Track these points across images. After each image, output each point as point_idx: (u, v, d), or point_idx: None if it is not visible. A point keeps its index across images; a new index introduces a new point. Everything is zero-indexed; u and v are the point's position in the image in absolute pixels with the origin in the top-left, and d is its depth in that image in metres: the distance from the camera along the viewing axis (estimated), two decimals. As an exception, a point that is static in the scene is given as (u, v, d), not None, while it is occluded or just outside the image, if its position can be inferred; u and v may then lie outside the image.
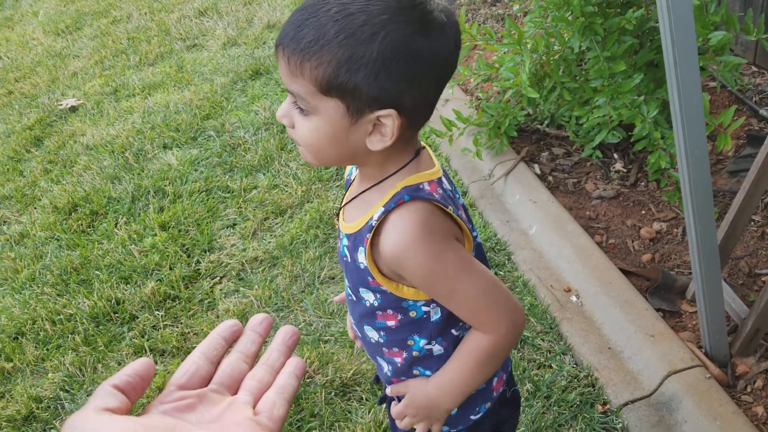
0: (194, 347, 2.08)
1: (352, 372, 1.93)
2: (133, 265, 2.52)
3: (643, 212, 2.43)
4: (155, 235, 2.67)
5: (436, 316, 1.00)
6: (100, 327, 2.28)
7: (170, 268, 2.48)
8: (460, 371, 0.99)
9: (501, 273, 2.25)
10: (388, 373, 1.11)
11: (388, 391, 1.12)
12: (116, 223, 2.78)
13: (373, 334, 1.06)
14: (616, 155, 2.65)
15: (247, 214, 2.71)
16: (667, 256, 2.26)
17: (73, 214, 2.90)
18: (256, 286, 2.33)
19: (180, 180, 2.99)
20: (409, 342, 1.03)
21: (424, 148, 0.96)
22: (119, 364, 2.12)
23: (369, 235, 0.90)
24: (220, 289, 2.37)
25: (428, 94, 0.86)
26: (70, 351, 2.20)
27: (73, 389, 2.06)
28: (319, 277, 2.33)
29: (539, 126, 2.84)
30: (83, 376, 2.10)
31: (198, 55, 4.18)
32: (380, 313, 1.01)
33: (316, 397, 1.88)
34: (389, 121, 0.84)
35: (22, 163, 3.43)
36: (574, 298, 2.09)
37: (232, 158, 3.08)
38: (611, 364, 1.88)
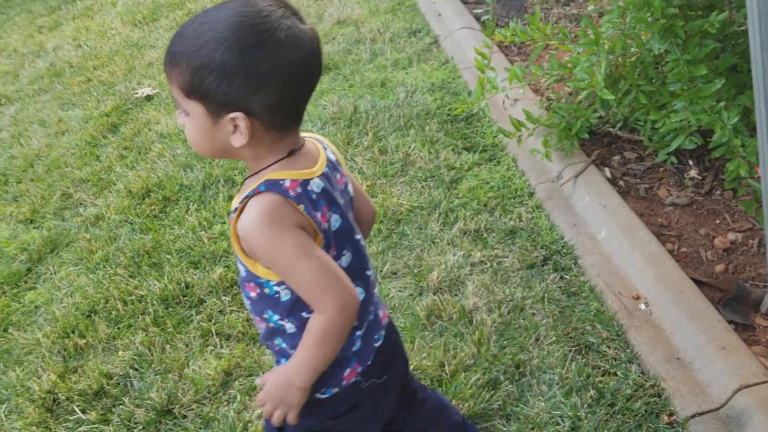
0: (258, 334, 2.11)
1: (412, 366, 1.94)
2: (202, 250, 2.59)
3: (718, 221, 2.36)
4: (224, 222, 2.73)
5: (285, 297, 1.13)
6: (170, 309, 2.35)
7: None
8: (305, 349, 1.11)
9: (566, 277, 2.22)
10: (260, 337, 1.27)
11: (257, 380, 1.25)
12: (187, 210, 2.86)
13: (246, 301, 1.21)
14: (691, 162, 2.58)
15: (313, 206, 2.75)
16: (741, 267, 2.18)
17: (146, 199, 3.00)
18: (320, 278, 2.36)
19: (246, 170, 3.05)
20: (264, 315, 1.17)
21: (301, 148, 1.11)
22: (187, 345, 2.19)
23: (234, 216, 1.08)
24: (285, 279, 2.40)
25: (276, 100, 1.02)
26: (140, 331, 2.28)
27: (142, 368, 2.14)
28: (381, 271, 2.34)
29: (611, 129, 2.79)
30: (152, 355, 2.17)
31: (269, 49, 4.26)
32: (247, 283, 1.16)
33: (377, 390, 1.90)
34: (241, 122, 1.02)
35: (98, 148, 3.56)
36: (642, 306, 2.04)
37: (299, 151, 3.12)
38: (679, 375, 1.83)
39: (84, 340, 2.29)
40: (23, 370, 2.23)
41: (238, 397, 1.96)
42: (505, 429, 1.78)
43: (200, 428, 1.90)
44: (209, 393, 2.00)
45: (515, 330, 2.05)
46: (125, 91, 4.10)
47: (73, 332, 2.33)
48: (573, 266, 2.26)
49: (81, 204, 3.11)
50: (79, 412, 2.03)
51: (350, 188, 1.22)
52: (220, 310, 2.31)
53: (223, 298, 2.35)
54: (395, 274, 2.34)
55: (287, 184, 1.05)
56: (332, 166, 1.16)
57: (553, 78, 2.76)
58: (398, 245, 2.45)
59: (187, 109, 1.05)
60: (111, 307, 2.41)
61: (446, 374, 1.91)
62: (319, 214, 1.08)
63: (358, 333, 1.22)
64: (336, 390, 1.22)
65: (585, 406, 1.80)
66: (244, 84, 0.99)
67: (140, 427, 1.94)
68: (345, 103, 3.38)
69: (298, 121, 1.09)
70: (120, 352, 2.21)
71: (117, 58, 4.61)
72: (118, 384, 2.11)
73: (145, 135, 3.56)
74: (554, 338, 2.01)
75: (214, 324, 2.25)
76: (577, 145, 2.64)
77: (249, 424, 1.87)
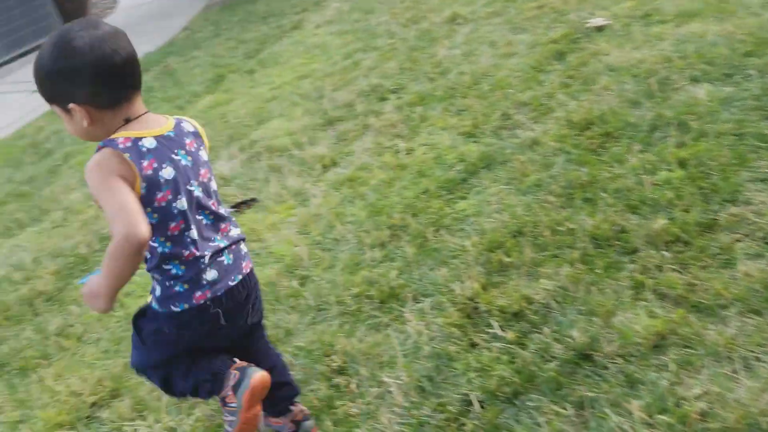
0: (701, 303, 1.77)
1: None
2: (642, 195, 2.33)
3: None
4: (671, 170, 2.42)
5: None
6: (599, 249, 2.17)
7: (684, 210, 2.21)
8: (103, 266, 1.39)
9: None
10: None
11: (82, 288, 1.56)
12: (629, 149, 2.61)
13: None
14: None
15: (787, 171, 2.25)
16: None
17: (586, 131, 2.83)
18: (792, 258, 1.91)
19: (707, 117, 2.64)
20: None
21: (141, 117, 1.50)
22: (615, 293, 1.98)
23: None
24: (742, 249, 2.01)
25: (92, 89, 1.43)
26: (565, 264, 2.15)
27: (564, 302, 2.01)
28: None
29: None
30: (576, 292, 2.03)
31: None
32: None
33: None
34: (78, 109, 1.45)
35: (542, 74, 3.50)
36: None
37: (776, 104, 2.59)
38: None
39: (509, 259, 2.26)
40: (449, 271, 2.31)
41: (672, 367, 1.69)
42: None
43: (622, 385, 1.69)
44: (637, 351, 1.77)
45: None
46: (576, 19, 3.95)
47: (499, 248, 2.32)
48: None
49: (519, 126, 3.09)
50: (497, 327, 2.00)
51: (202, 153, 1.59)
52: (657, 265, 2.04)
53: (663, 252, 2.07)
54: None
55: (120, 140, 1.44)
56: (182, 133, 1.56)
57: None
58: None
59: (56, 113, 1.50)
60: (538, 233, 2.34)
61: None
62: (145, 162, 1.44)
63: (204, 261, 1.53)
64: (187, 306, 1.54)
65: None
66: (64, 84, 1.43)
67: (556, 362, 1.82)
68: None
69: (122, 101, 1.47)
70: (542, 280, 2.12)
71: (573, -14, 4.47)
72: (537, 312, 2.02)
73: (592, 66, 3.37)
74: None
75: (649, 278, 1.99)
76: None
77: (682, 402, 1.59)
